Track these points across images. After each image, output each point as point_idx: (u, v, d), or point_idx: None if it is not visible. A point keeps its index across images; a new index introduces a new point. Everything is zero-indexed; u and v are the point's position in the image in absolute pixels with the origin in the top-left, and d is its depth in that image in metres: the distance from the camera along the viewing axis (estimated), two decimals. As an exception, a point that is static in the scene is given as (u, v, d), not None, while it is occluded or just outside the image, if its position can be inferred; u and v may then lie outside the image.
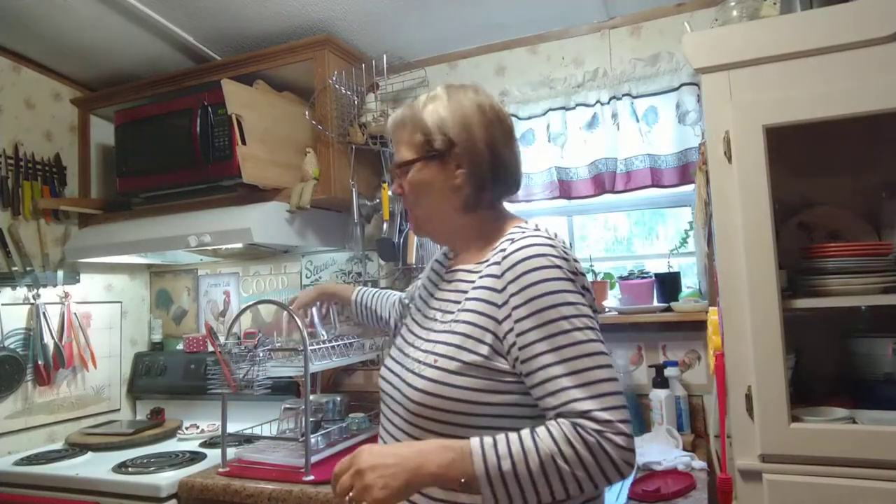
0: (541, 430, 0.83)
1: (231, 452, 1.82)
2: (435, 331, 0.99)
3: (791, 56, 1.28)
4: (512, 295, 0.88)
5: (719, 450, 1.48)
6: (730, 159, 1.30)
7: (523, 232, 0.94)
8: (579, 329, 0.86)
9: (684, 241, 1.98)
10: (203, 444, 2.11)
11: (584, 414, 0.81)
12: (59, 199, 2.33)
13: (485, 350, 0.89)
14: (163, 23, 2.02)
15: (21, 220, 2.22)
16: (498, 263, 0.92)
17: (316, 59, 2.01)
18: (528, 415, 0.90)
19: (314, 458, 1.69)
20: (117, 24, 2.03)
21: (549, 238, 0.92)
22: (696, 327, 1.81)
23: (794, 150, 1.43)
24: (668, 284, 1.90)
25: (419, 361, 0.96)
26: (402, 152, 1.04)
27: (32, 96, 2.29)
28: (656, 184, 1.87)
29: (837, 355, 1.53)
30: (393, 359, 1.07)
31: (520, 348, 0.87)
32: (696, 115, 1.78)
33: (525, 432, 0.83)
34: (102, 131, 2.42)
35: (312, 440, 1.74)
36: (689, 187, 1.85)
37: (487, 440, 0.83)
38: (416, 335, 1.04)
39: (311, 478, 1.61)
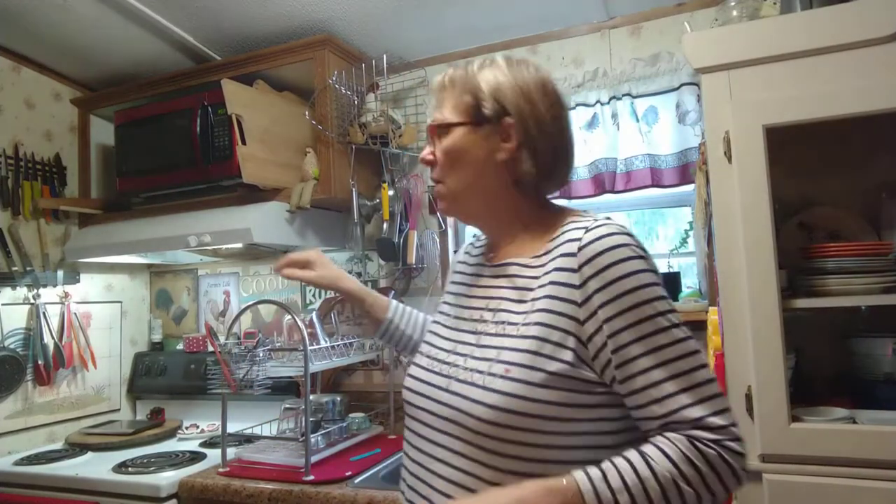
0: (651, 449, 0.73)
1: (231, 452, 1.82)
2: (490, 334, 0.85)
3: (791, 56, 1.28)
4: (596, 291, 0.76)
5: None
6: (730, 159, 1.30)
7: (595, 220, 0.82)
8: (676, 326, 0.76)
9: (684, 241, 1.98)
10: (203, 444, 2.11)
11: (698, 422, 0.72)
12: (59, 199, 2.33)
13: (569, 356, 0.77)
14: (163, 23, 2.02)
15: (21, 220, 2.22)
16: (572, 255, 0.79)
17: (316, 59, 2.01)
18: (615, 429, 0.80)
19: (314, 458, 1.69)
20: (117, 24, 2.03)
21: (622, 226, 0.81)
22: (696, 327, 1.80)
23: (794, 150, 1.43)
24: (668, 284, 1.88)
25: (479, 371, 0.81)
26: (442, 114, 0.92)
27: (32, 96, 2.29)
28: (656, 184, 1.87)
29: (837, 355, 1.53)
30: (425, 368, 0.91)
31: (612, 351, 0.75)
32: (696, 115, 1.78)
33: (635, 456, 0.72)
34: (102, 131, 2.42)
35: (312, 440, 1.74)
36: (689, 187, 1.85)
37: (595, 473, 0.72)
38: (456, 340, 0.90)
39: (311, 478, 1.62)
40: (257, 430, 1.93)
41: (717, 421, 0.73)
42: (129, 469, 1.82)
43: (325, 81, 2.00)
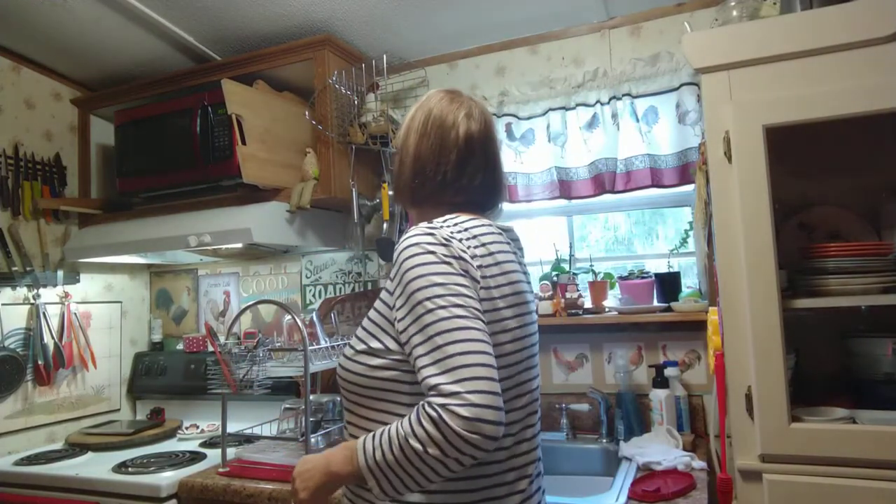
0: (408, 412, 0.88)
1: (231, 452, 1.82)
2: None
3: (791, 56, 1.28)
4: (396, 285, 0.95)
5: (719, 450, 1.48)
6: (730, 159, 1.30)
7: (417, 227, 1.00)
8: (443, 307, 0.87)
9: (684, 241, 1.98)
10: (203, 444, 2.11)
11: (433, 388, 0.83)
12: (59, 199, 2.33)
13: (389, 341, 0.96)
14: (163, 23, 2.02)
15: (21, 220, 2.22)
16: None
17: (316, 59, 2.01)
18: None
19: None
20: (117, 24, 2.03)
21: (433, 227, 0.97)
22: (696, 327, 1.81)
23: (794, 150, 1.43)
24: (668, 284, 1.90)
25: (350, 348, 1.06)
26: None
27: (32, 96, 2.29)
28: (656, 184, 1.87)
29: (837, 355, 1.53)
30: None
31: (399, 332, 0.92)
32: (696, 115, 1.78)
33: (398, 420, 0.87)
34: (102, 131, 2.42)
35: (312, 440, 1.74)
36: (689, 187, 1.85)
37: (371, 433, 0.89)
38: None
39: (311, 478, 1.61)
40: (257, 430, 1.93)
41: (450, 388, 0.81)
42: (129, 469, 1.82)
43: (325, 81, 2.00)
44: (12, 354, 2.12)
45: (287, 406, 1.93)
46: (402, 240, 0.98)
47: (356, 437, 0.94)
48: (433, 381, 0.83)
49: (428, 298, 0.89)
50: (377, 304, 1.01)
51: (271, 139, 1.98)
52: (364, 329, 1.01)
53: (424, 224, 1.00)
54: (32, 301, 2.21)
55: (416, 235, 0.97)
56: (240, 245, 2.04)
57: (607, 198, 2.02)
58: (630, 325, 1.92)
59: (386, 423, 0.90)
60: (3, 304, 2.13)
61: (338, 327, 2.09)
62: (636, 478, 1.51)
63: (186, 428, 2.29)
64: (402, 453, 0.83)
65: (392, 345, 0.95)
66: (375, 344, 0.97)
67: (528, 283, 1.10)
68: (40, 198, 2.25)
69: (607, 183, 1.91)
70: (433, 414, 0.81)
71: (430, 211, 1.10)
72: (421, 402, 0.84)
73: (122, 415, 2.52)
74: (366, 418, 0.99)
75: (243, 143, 1.88)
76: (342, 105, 2.04)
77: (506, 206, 2.07)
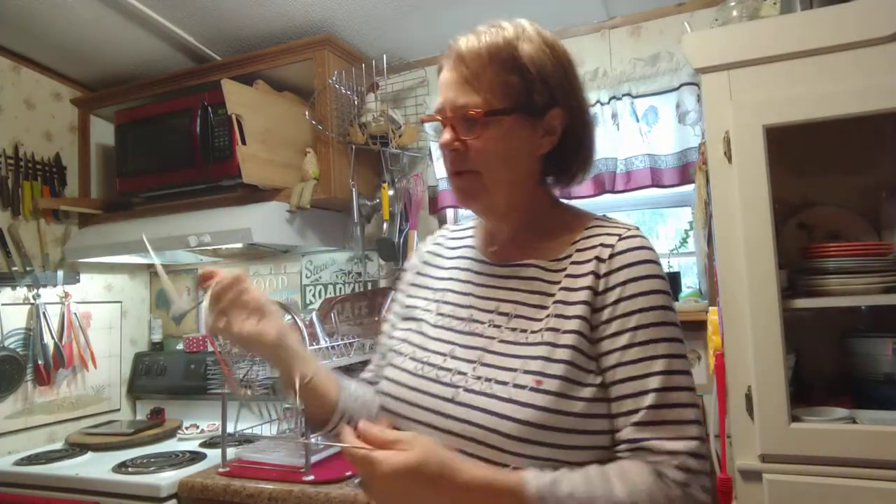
0: (616, 472, 0.69)
1: (231, 452, 1.82)
2: (506, 341, 0.78)
3: (791, 56, 1.28)
4: (619, 300, 0.74)
5: (719, 450, 1.49)
6: (730, 159, 1.30)
7: (627, 229, 0.79)
8: (678, 357, 0.73)
9: (684, 241, 1.98)
10: (203, 444, 2.11)
11: (670, 454, 0.69)
12: (59, 199, 2.33)
13: (594, 366, 0.74)
14: (163, 23, 2.02)
15: (21, 220, 2.22)
16: (602, 260, 0.77)
17: (316, 59, 2.01)
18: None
19: (314, 458, 1.69)
20: (117, 24, 2.03)
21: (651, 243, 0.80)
22: (696, 327, 1.81)
23: (794, 150, 1.43)
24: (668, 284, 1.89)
25: (500, 382, 0.74)
26: (482, 95, 0.78)
27: (32, 96, 2.29)
28: (656, 184, 1.87)
29: (837, 355, 1.53)
30: (414, 374, 0.82)
31: (618, 362, 0.73)
32: (696, 115, 1.78)
33: (595, 471, 0.69)
34: (102, 131, 2.42)
35: (312, 440, 1.74)
36: (689, 187, 1.84)
37: (545, 479, 0.67)
38: (454, 343, 0.81)
39: (311, 478, 1.62)
40: (257, 430, 1.93)
41: (692, 464, 0.69)
42: (129, 469, 1.82)
43: (325, 81, 2.00)
44: (12, 354, 2.12)
45: (287, 406, 1.93)
46: (631, 247, 0.77)
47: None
48: (666, 444, 0.69)
49: (668, 341, 0.73)
50: (574, 323, 0.75)
51: (271, 139, 1.98)
52: (548, 359, 0.74)
53: (633, 227, 0.80)
54: (32, 301, 2.21)
55: (650, 251, 0.78)
56: (240, 245, 2.04)
57: (607, 198, 2.01)
58: (630, 325, 1.92)
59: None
60: (3, 304, 2.13)
61: (338, 327, 2.09)
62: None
63: (186, 428, 2.29)
64: None
65: (591, 377, 0.74)
66: (591, 379, 0.74)
67: None
68: (40, 198, 2.25)
69: (607, 183, 1.91)
70: (676, 494, 0.68)
71: (549, 198, 0.89)
72: (661, 469, 0.69)
73: (122, 415, 2.52)
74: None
75: (243, 143, 1.88)
76: (342, 105, 2.04)
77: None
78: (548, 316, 0.77)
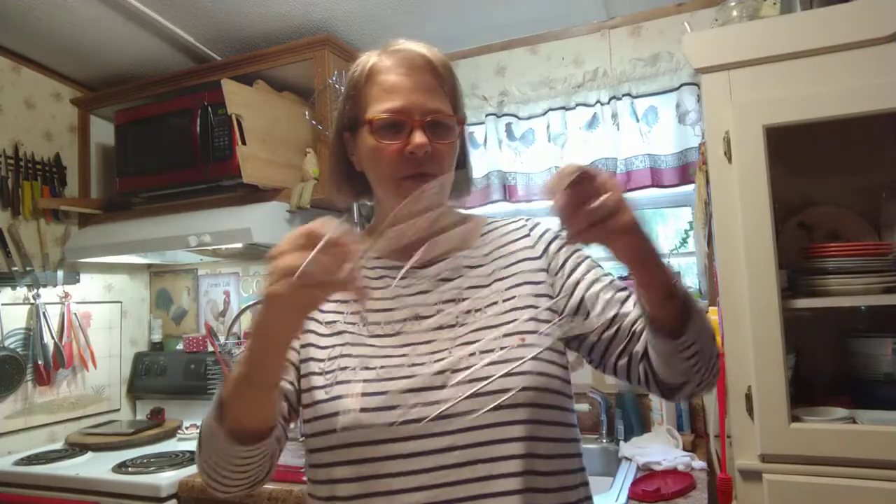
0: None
1: (231, 452, 1.82)
2: (466, 324, 0.81)
3: (791, 56, 1.28)
4: (553, 250, 0.89)
5: (719, 450, 1.49)
6: (730, 159, 1.30)
7: (494, 217, 0.97)
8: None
9: (684, 241, 1.98)
10: (203, 444, 2.11)
11: None
12: (59, 199, 2.33)
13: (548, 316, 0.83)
14: (163, 23, 2.02)
15: (21, 220, 2.22)
16: (525, 236, 0.90)
17: (316, 59, 2.01)
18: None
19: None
20: (117, 24, 2.03)
21: None
22: (696, 327, 1.80)
23: (794, 150, 1.43)
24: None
25: (487, 351, 0.77)
26: (447, 103, 0.86)
27: (32, 96, 2.29)
28: (656, 184, 1.87)
29: (837, 355, 1.53)
30: (380, 380, 0.77)
31: (571, 270, 0.87)
32: (696, 115, 1.78)
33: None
34: (102, 131, 2.42)
35: (312, 440, 1.74)
36: (689, 187, 1.84)
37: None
38: (412, 343, 0.80)
39: (311, 478, 1.61)
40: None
41: None
42: (129, 469, 1.82)
43: (325, 81, 2.00)
44: (12, 354, 2.12)
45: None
46: (536, 223, 0.94)
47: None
48: None
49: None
50: (521, 288, 0.84)
51: (271, 139, 1.98)
52: (516, 320, 0.81)
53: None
54: (32, 301, 2.21)
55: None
56: (240, 245, 2.04)
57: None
58: (630, 325, 1.92)
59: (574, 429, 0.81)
60: (3, 304, 2.13)
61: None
62: (636, 478, 1.51)
63: (186, 428, 2.29)
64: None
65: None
66: (549, 328, 0.82)
67: None
68: (40, 198, 2.25)
69: (607, 183, 1.90)
70: None
71: None
72: None
73: (122, 415, 2.52)
74: (567, 423, 0.81)
75: (243, 143, 1.88)
76: (342, 105, 2.04)
77: (506, 206, 2.07)
78: (492, 293, 0.85)
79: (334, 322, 0.85)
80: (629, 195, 0.66)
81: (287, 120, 2.05)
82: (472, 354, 0.77)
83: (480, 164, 2.06)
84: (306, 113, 2.03)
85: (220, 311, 2.59)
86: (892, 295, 1.27)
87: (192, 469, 1.80)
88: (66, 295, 2.31)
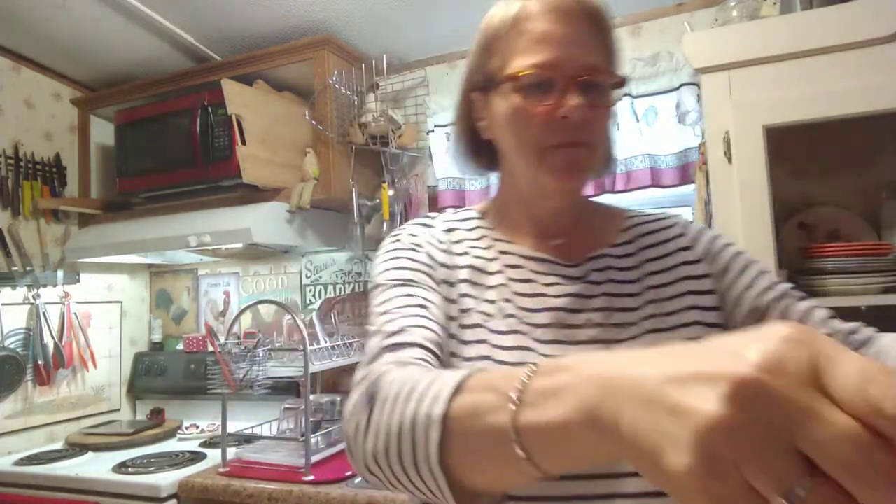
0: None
1: (231, 452, 1.82)
2: (628, 339, 0.69)
3: (791, 56, 1.28)
4: (718, 254, 0.76)
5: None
6: (730, 159, 1.30)
7: (664, 212, 0.84)
8: None
9: (684, 241, 1.98)
10: (203, 444, 2.11)
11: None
12: (59, 199, 2.33)
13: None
14: (163, 23, 2.02)
15: (21, 220, 2.22)
16: (681, 236, 0.78)
17: (316, 59, 2.01)
18: None
19: (314, 458, 1.69)
20: (117, 24, 2.03)
21: None
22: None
23: (794, 150, 1.43)
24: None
25: None
26: (610, 59, 0.73)
27: (32, 96, 2.29)
28: (656, 184, 1.87)
29: (837, 355, 1.52)
30: None
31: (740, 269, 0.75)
32: (696, 115, 1.78)
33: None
34: (102, 131, 2.42)
35: (312, 440, 1.74)
36: (689, 187, 1.84)
37: None
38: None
39: (311, 478, 1.62)
40: (257, 430, 1.93)
41: None
42: (129, 469, 1.82)
43: (325, 81, 2.00)
44: (12, 354, 2.12)
45: (287, 406, 1.93)
46: (689, 219, 0.82)
47: None
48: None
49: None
50: (687, 299, 0.71)
51: (271, 139, 1.98)
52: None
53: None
54: (32, 301, 2.21)
55: None
56: (240, 245, 2.04)
57: (607, 198, 2.02)
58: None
59: None
60: (3, 304, 2.13)
61: (338, 327, 2.09)
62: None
63: (186, 428, 2.29)
64: None
65: None
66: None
67: None
68: (40, 198, 2.25)
69: (607, 183, 1.91)
70: None
71: None
72: None
73: (122, 415, 2.52)
74: None
75: (243, 143, 1.88)
76: (342, 105, 2.04)
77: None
78: (647, 303, 0.71)
79: (468, 310, 0.71)
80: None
81: (287, 120, 2.05)
82: None
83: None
84: (306, 113, 2.03)
85: (220, 311, 2.59)
86: (892, 295, 1.27)
87: (192, 469, 1.80)
88: (66, 295, 2.31)
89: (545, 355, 0.65)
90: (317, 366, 1.82)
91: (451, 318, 0.70)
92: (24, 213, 2.22)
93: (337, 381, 2.30)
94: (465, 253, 0.76)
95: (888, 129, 1.46)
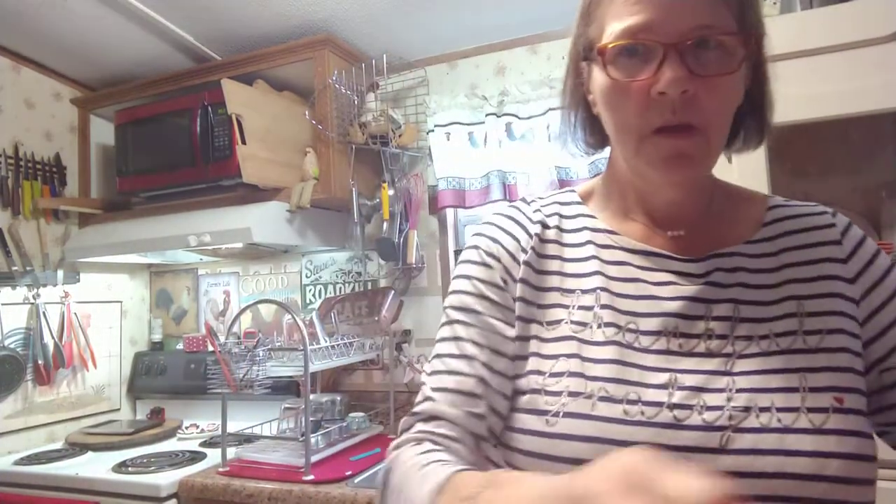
0: None
1: (231, 452, 1.82)
2: (756, 354, 0.57)
3: (791, 56, 1.28)
4: (876, 283, 0.62)
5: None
6: (730, 159, 1.30)
7: (824, 207, 0.68)
8: None
9: (684, 241, 1.98)
10: (203, 444, 2.11)
11: None
12: (59, 198, 2.33)
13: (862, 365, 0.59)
14: (163, 23, 2.02)
15: (21, 220, 2.22)
16: (837, 243, 0.63)
17: (316, 59, 2.01)
18: None
19: (314, 458, 1.69)
20: (117, 24, 2.03)
21: None
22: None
23: (794, 150, 1.43)
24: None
25: (789, 409, 0.54)
26: (733, 16, 0.56)
27: (32, 96, 2.29)
28: (656, 184, 1.86)
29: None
30: (645, 423, 0.55)
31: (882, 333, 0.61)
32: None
33: None
34: (102, 131, 2.42)
35: (312, 440, 1.74)
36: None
37: None
38: (689, 371, 0.57)
39: (311, 477, 1.62)
40: (257, 430, 1.93)
41: None
42: (129, 469, 1.82)
43: (325, 81, 2.00)
44: (12, 354, 2.12)
45: (287, 406, 1.93)
46: (849, 223, 0.66)
47: None
48: None
49: None
50: (833, 319, 0.59)
51: (271, 139, 1.98)
52: (828, 368, 0.56)
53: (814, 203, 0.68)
54: (32, 301, 2.21)
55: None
56: (240, 245, 2.04)
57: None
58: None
59: None
60: (3, 304, 2.13)
61: (338, 327, 2.09)
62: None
63: (186, 428, 2.29)
64: None
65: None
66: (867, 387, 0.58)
67: None
68: (40, 198, 2.25)
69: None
70: None
71: None
72: None
73: (122, 415, 2.52)
74: None
75: (243, 142, 1.88)
76: (342, 105, 2.04)
77: (505, 206, 2.06)
78: (785, 315, 0.59)
79: (558, 322, 0.63)
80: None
81: (287, 120, 2.05)
82: (763, 410, 0.54)
83: (480, 164, 2.06)
84: (306, 113, 2.04)
85: (220, 311, 2.59)
86: (892, 295, 1.27)
87: (192, 469, 1.80)
88: (66, 295, 2.31)
89: (649, 367, 0.58)
90: (317, 365, 1.82)
91: (526, 338, 0.63)
92: (24, 212, 2.22)
93: (337, 380, 2.31)
94: (557, 256, 0.67)
95: (888, 129, 1.46)
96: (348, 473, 1.64)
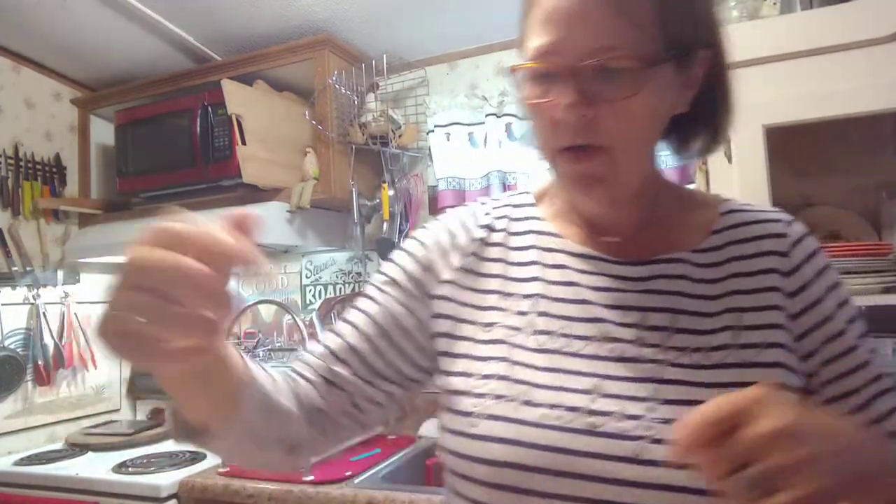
0: None
1: (231, 452, 1.82)
2: (686, 366, 0.56)
3: (791, 56, 1.28)
4: (818, 300, 0.61)
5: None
6: (730, 159, 1.30)
7: (782, 213, 0.67)
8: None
9: (684, 241, 1.98)
10: (203, 444, 2.11)
11: None
12: (59, 199, 2.33)
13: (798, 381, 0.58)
14: (163, 23, 2.02)
15: (21, 220, 2.22)
16: (783, 254, 0.61)
17: (316, 59, 2.01)
18: None
19: (314, 458, 1.69)
20: (117, 24, 2.03)
21: None
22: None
23: (794, 150, 1.43)
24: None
25: None
26: (634, 34, 0.53)
27: (32, 96, 2.29)
28: (656, 184, 1.86)
29: (837, 355, 1.52)
30: (554, 427, 0.55)
31: (826, 340, 0.61)
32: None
33: None
34: (102, 131, 2.42)
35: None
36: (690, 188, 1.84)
37: None
38: (617, 377, 0.57)
39: (311, 478, 1.61)
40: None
41: None
42: (129, 469, 1.82)
43: (325, 81, 2.00)
44: (12, 354, 2.12)
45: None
46: (804, 233, 0.65)
47: None
48: None
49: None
50: (771, 333, 0.58)
51: (271, 139, 1.98)
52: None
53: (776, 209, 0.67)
54: (32, 301, 2.21)
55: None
56: (240, 245, 2.04)
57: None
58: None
59: None
60: (3, 304, 2.13)
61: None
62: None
63: (186, 428, 2.29)
64: None
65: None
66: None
67: None
68: (40, 198, 2.25)
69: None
70: None
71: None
72: None
73: (122, 415, 2.52)
74: None
75: (243, 143, 1.88)
76: (342, 105, 2.04)
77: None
78: (723, 328, 0.58)
79: (492, 324, 0.63)
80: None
81: (287, 120, 2.05)
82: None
83: (480, 164, 2.06)
84: (306, 113, 2.04)
85: (220, 311, 2.58)
86: (892, 295, 1.27)
87: (193, 469, 1.80)
88: (67, 295, 2.31)
89: (576, 372, 0.57)
90: (317, 366, 1.82)
91: (454, 337, 0.64)
92: (24, 213, 2.22)
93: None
94: (501, 259, 0.67)
95: (888, 129, 1.46)
96: (348, 474, 1.64)
